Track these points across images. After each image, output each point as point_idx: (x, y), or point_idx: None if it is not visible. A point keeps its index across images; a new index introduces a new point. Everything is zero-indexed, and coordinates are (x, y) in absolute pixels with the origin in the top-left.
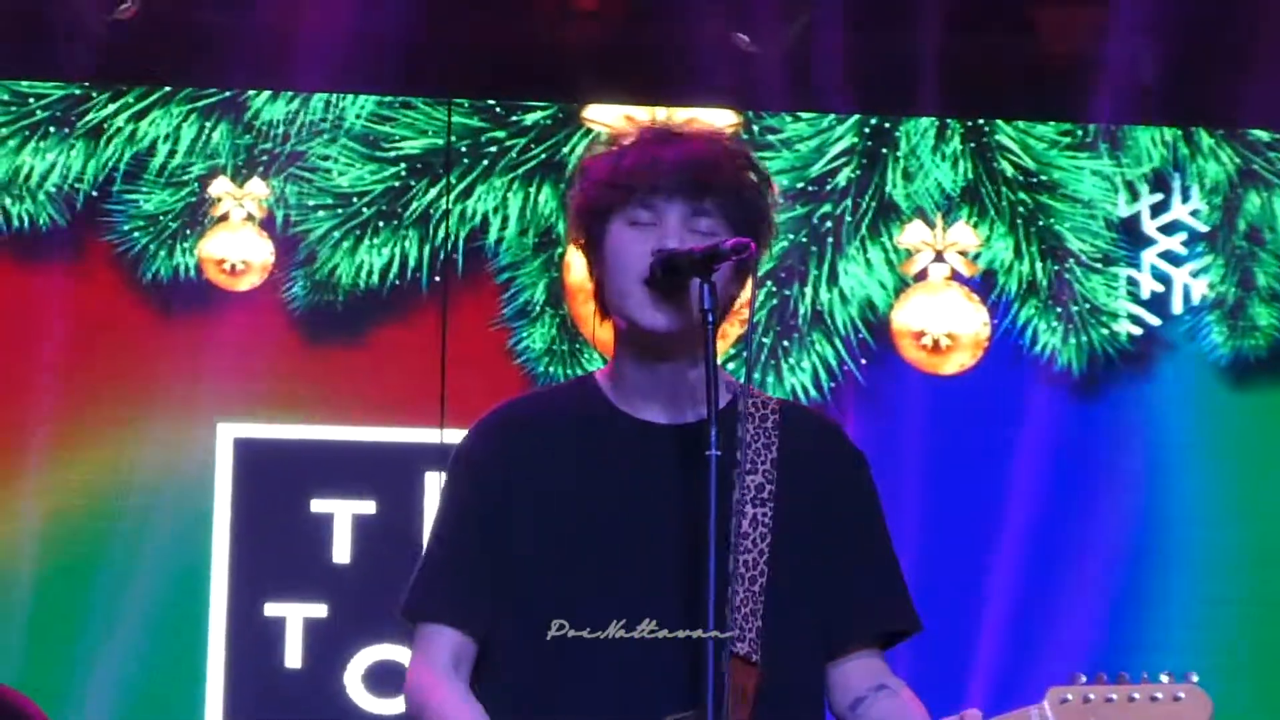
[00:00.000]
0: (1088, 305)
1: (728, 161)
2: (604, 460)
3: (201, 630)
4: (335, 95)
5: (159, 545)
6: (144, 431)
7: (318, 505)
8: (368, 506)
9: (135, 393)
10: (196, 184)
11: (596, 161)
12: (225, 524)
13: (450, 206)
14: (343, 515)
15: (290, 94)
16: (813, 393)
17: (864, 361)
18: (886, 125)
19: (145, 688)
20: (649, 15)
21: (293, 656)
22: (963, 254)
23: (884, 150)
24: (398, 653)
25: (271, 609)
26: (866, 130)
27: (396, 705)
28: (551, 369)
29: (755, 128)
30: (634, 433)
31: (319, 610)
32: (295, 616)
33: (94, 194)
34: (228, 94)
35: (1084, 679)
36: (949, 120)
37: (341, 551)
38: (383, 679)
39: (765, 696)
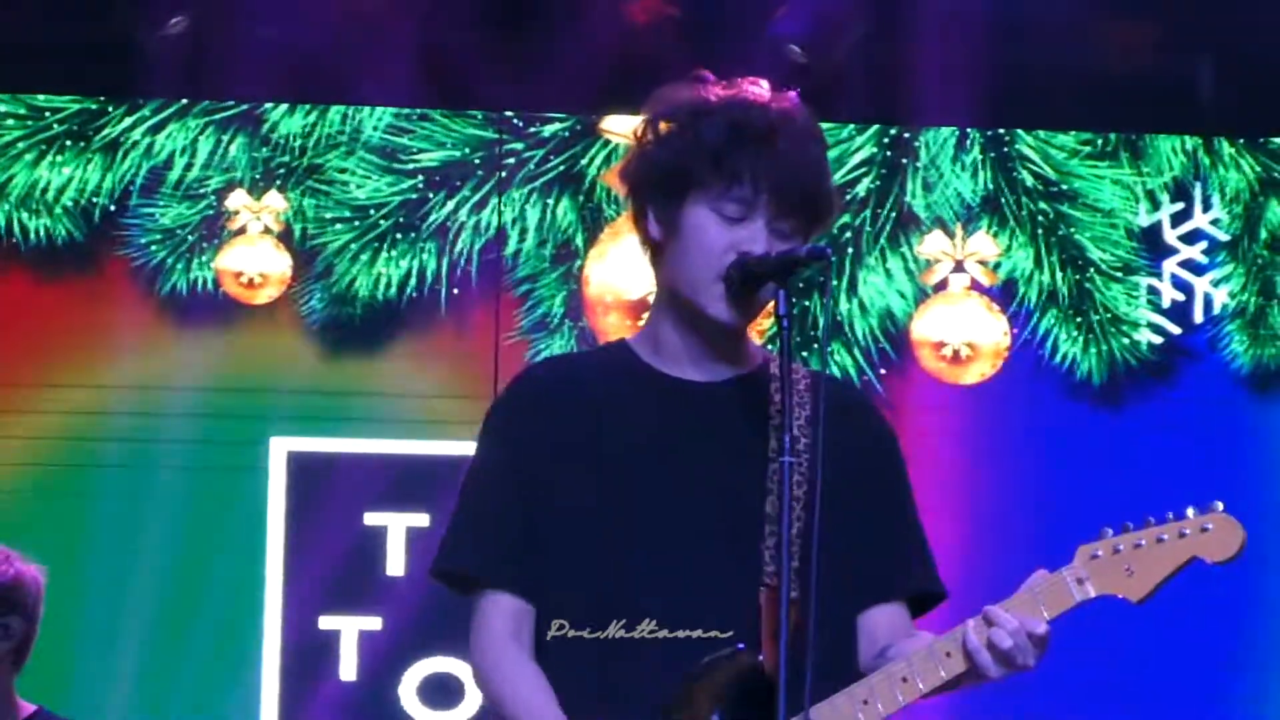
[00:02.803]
0: (1108, 315)
1: (822, 167)
2: (642, 416)
3: (257, 643)
4: (352, 108)
5: (214, 560)
6: (190, 446)
7: (371, 518)
8: (421, 519)
9: (172, 407)
10: (214, 197)
11: (689, 117)
12: (279, 537)
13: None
14: (396, 528)
15: (307, 106)
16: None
17: (883, 372)
18: (906, 135)
19: (202, 701)
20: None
21: (348, 669)
22: (982, 264)
23: (904, 160)
24: (452, 665)
25: (326, 622)
26: (886, 140)
27: (451, 717)
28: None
29: (815, 125)
30: (672, 390)
31: (374, 623)
32: (350, 629)
33: (111, 208)
34: (244, 107)
35: (1110, 532)
36: (969, 130)
37: (396, 564)
38: (437, 691)
39: (801, 632)
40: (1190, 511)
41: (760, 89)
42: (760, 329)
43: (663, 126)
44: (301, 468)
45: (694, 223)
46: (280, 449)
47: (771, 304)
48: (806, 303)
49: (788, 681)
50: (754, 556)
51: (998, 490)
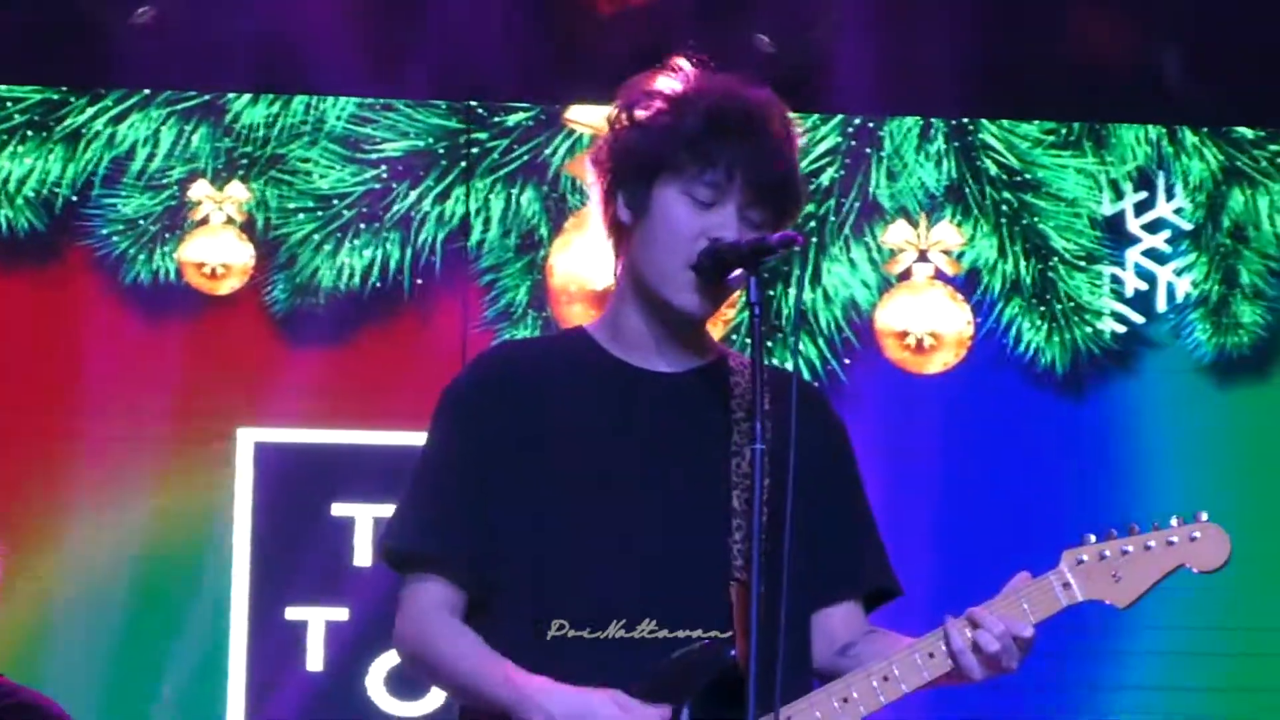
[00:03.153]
0: (1072, 303)
1: (794, 155)
2: (605, 406)
3: (224, 634)
4: (315, 98)
5: (180, 551)
6: (159, 438)
7: (339, 509)
8: (388, 510)
9: (137, 399)
10: (176, 187)
11: (665, 102)
12: (246, 528)
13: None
14: (363, 519)
15: (270, 96)
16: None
17: (847, 361)
18: (870, 125)
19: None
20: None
21: (314, 660)
22: (946, 253)
23: (868, 150)
24: None
25: (293, 613)
26: (850, 130)
27: (418, 708)
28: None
29: (788, 115)
30: (635, 380)
31: (341, 614)
32: (317, 620)
33: (73, 198)
34: (207, 97)
35: (1093, 538)
36: (933, 120)
37: (363, 555)
38: (404, 682)
39: (764, 624)
40: (1174, 520)
41: (738, 79)
42: (725, 318)
43: (640, 111)
44: (269, 459)
45: (664, 204)
46: (248, 440)
47: (736, 294)
48: (771, 292)
49: (759, 676)
50: (725, 551)
51: (961, 479)
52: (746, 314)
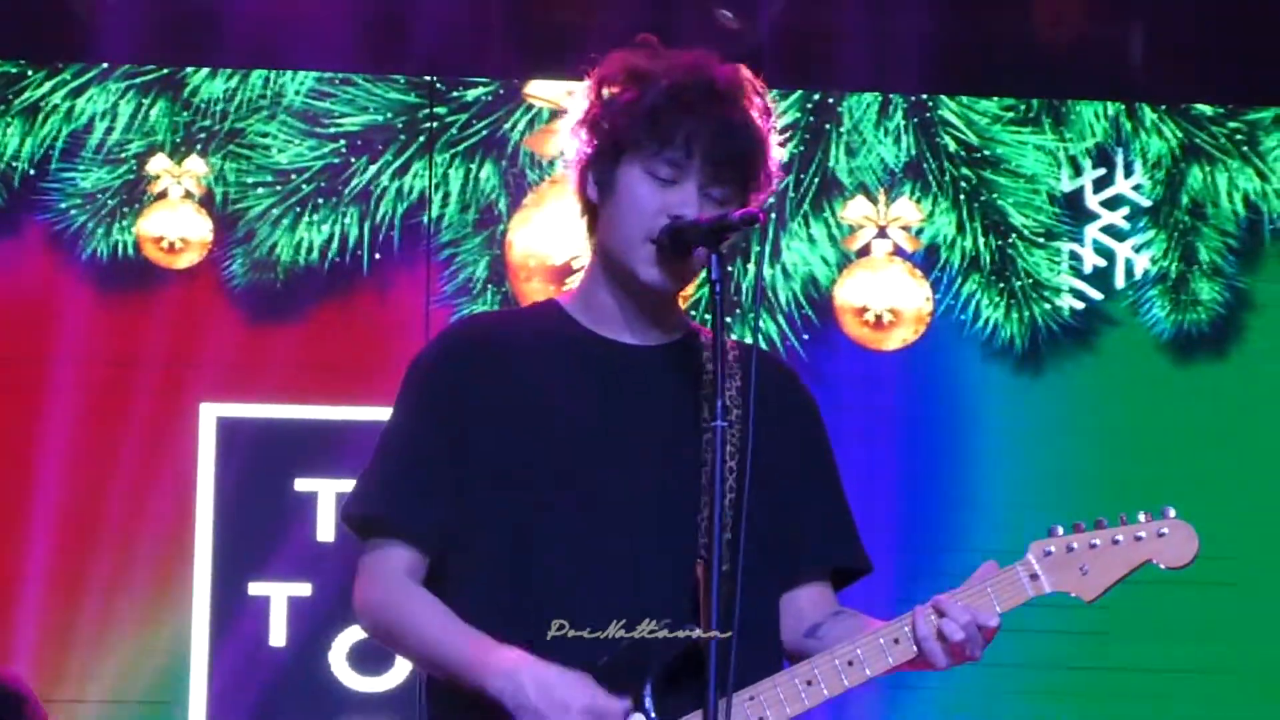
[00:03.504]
0: (1030, 280)
1: (762, 138)
2: (575, 377)
3: (186, 609)
4: (274, 72)
5: (143, 525)
6: (121, 413)
7: (301, 484)
8: (351, 485)
9: (101, 373)
10: (134, 161)
11: (636, 82)
12: (209, 503)
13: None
14: (326, 494)
15: (229, 71)
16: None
17: (806, 337)
18: (829, 101)
19: (131, 666)
20: None
21: (277, 635)
22: (905, 229)
23: (827, 126)
24: None
25: (256, 588)
26: (809, 106)
27: (381, 683)
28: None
29: (761, 97)
30: (607, 353)
31: (303, 589)
32: (280, 595)
33: (31, 172)
34: (165, 71)
35: (1061, 530)
36: (892, 96)
37: (326, 530)
38: (367, 657)
39: (730, 605)
40: (1142, 515)
41: (707, 55)
42: (684, 294)
43: (607, 89)
44: (231, 433)
45: (627, 183)
46: (210, 415)
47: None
48: (730, 268)
49: (723, 656)
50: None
51: (919, 455)
52: (706, 289)
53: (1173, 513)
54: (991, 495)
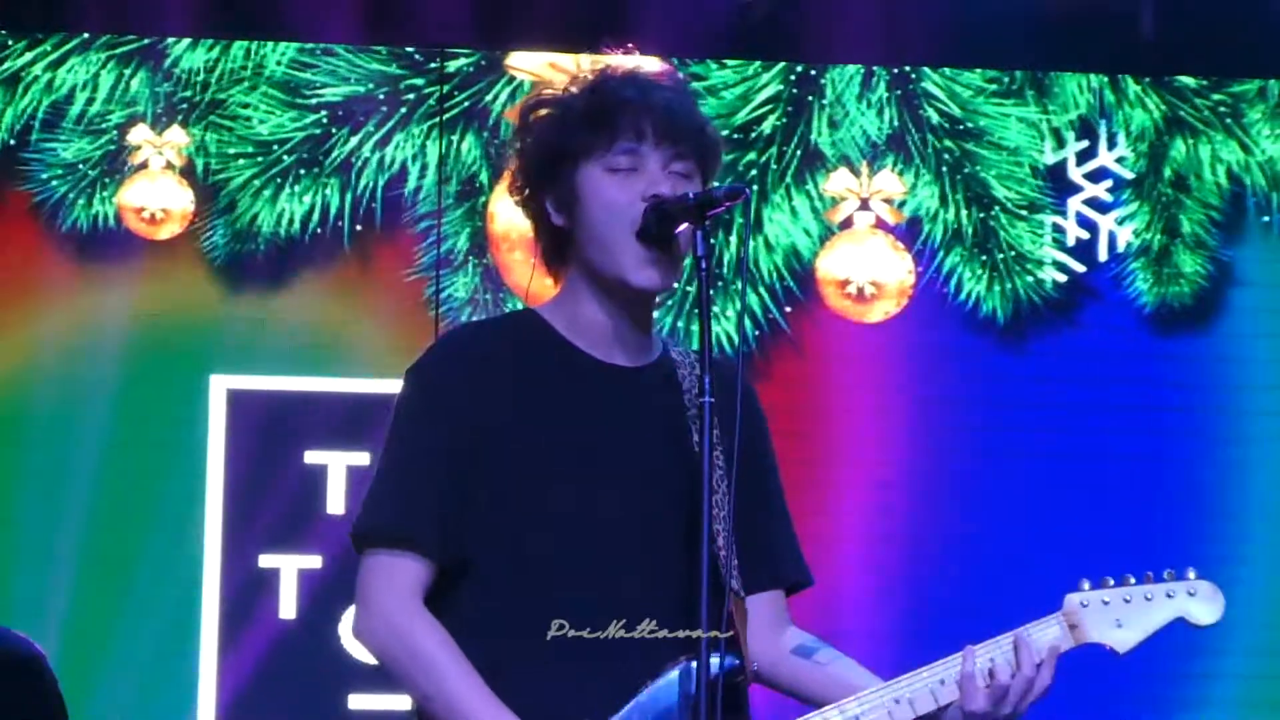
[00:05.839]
0: (1013, 253)
1: (698, 109)
2: (583, 403)
3: (196, 582)
4: (255, 43)
5: (153, 498)
6: (131, 384)
7: (311, 457)
8: (361, 458)
9: (112, 345)
10: (115, 132)
11: (551, 105)
12: (219, 476)
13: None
14: (337, 466)
15: (210, 41)
16: (737, 341)
17: (789, 310)
18: (812, 73)
19: (141, 639)
20: None
21: (287, 608)
22: (888, 202)
23: (810, 98)
24: None
25: (266, 560)
26: (792, 78)
27: None
28: (475, 318)
29: (679, 75)
30: (607, 378)
31: (314, 561)
32: (290, 568)
33: (11, 142)
34: (147, 41)
35: (1088, 585)
36: (875, 68)
37: (336, 503)
38: None
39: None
40: (1167, 574)
41: (621, 56)
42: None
43: (532, 118)
44: (241, 405)
45: (590, 188)
46: (220, 387)
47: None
48: (713, 240)
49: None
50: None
51: (901, 427)
52: (690, 265)
53: (1193, 574)
54: (971, 469)
